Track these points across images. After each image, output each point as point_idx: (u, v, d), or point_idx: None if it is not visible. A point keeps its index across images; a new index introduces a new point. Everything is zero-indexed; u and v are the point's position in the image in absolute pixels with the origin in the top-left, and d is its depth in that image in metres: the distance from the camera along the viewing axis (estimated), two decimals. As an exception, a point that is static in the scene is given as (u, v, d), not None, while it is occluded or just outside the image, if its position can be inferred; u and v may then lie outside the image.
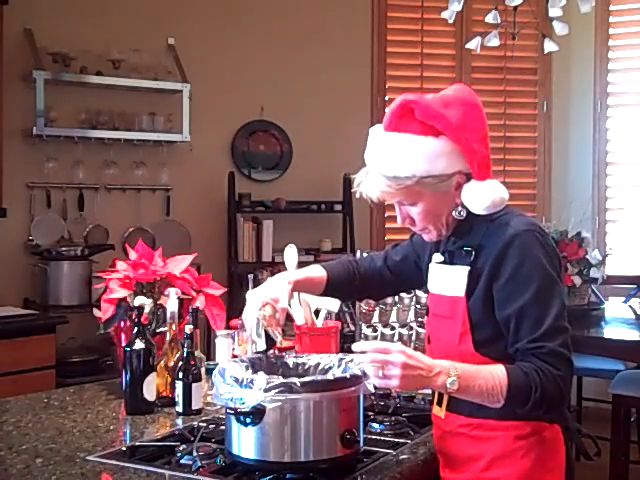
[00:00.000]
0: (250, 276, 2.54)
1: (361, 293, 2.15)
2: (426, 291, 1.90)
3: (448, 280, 1.75)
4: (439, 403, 1.77)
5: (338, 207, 5.26)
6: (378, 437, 1.93)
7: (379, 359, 1.52)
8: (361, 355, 1.56)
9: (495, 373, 1.57)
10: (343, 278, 2.00)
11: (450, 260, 1.78)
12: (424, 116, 1.65)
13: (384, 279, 2.03)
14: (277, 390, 1.57)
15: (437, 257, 1.83)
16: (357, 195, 1.75)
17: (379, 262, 2.03)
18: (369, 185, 1.71)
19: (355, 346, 1.57)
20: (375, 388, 1.62)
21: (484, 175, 1.68)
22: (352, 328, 2.85)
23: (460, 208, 1.71)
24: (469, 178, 1.69)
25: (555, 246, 1.72)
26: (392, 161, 1.66)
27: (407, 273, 2.00)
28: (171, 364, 2.25)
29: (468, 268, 1.70)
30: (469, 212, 1.71)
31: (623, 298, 4.64)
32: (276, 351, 1.90)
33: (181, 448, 1.80)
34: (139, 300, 2.31)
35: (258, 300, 1.82)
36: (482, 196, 1.67)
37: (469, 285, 1.69)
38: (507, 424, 1.66)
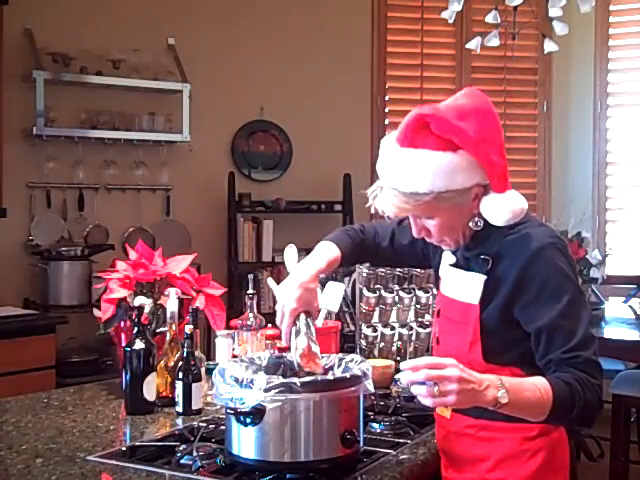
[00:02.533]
0: (250, 276, 2.54)
1: (363, 261, 2.25)
2: (430, 289, 1.90)
3: (462, 285, 1.73)
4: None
5: (338, 207, 5.26)
6: (378, 437, 1.93)
7: (433, 375, 1.42)
8: (410, 374, 1.44)
9: (539, 384, 1.53)
10: (352, 253, 1.97)
11: (466, 265, 1.75)
12: (441, 130, 1.60)
13: (386, 256, 2.03)
14: (277, 390, 1.57)
15: (449, 257, 1.81)
16: (372, 210, 1.71)
17: (385, 242, 2.00)
18: (385, 201, 1.66)
19: (404, 364, 1.45)
20: (374, 390, 1.62)
21: (503, 187, 1.65)
22: (352, 328, 2.84)
23: (477, 219, 1.68)
24: (487, 189, 1.66)
25: (573, 258, 1.71)
26: (410, 178, 1.61)
27: (412, 256, 1.99)
28: (171, 364, 2.24)
29: (484, 277, 1.68)
30: (486, 221, 1.69)
31: (623, 298, 4.64)
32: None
33: (181, 448, 1.80)
34: (139, 300, 2.31)
35: (292, 312, 1.76)
36: (502, 209, 1.64)
37: (485, 294, 1.67)
38: (514, 426, 1.65)
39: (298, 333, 1.73)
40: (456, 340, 1.72)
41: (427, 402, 1.44)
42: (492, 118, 1.67)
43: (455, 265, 1.79)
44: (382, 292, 2.81)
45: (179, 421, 2.09)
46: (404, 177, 1.62)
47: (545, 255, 1.63)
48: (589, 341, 1.60)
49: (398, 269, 2.84)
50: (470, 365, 1.61)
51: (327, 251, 1.93)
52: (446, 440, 1.78)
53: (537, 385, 1.52)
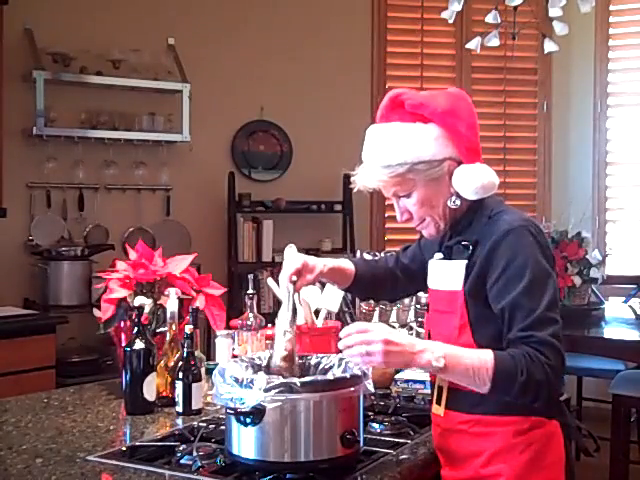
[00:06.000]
0: (250, 276, 2.53)
1: (377, 293, 2.17)
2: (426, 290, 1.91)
3: (446, 275, 1.77)
4: (438, 401, 1.78)
5: (338, 207, 5.26)
6: (378, 437, 1.93)
7: (361, 339, 1.57)
8: (346, 339, 1.59)
9: (482, 355, 1.59)
10: (367, 275, 2.02)
11: (449, 255, 1.80)
12: (412, 106, 1.72)
13: (396, 280, 2.04)
14: (277, 390, 1.57)
15: (437, 255, 1.85)
16: (355, 189, 1.80)
17: (391, 263, 2.06)
18: (365, 176, 1.76)
19: (341, 333, 1.61)
20: (374, 390, 1.63)
21: (473, 159, 1.72)
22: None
23: (454, 198, 1.73)
24: (460, 165, 1.72)
25: (549, 244, 1.73)
26: (383, 150, 1.72)
27: (416, 275, 2.00)
28: (171, 364, 2.24)
29: (465, 262, 1.71)
30: (468, 208, 1.75)
31: (623, 298, 4.64)
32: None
33: (181, 448, 1.80)
34: (139, 300, 2.31)
35: (295, 263, 1.85)
36: (472, 179, 1.70)
37: (466, 278, 1.70)
38: (506, 419, 1.66)
39: (285, 333, 1.73)
40: (445, 329, 1.74)
41: (357, 360, 1.61)
42: (464, 101, 1.75)
43: (441, 259, 1.83)
44: (382, 292, 2.80)
45: (179, 421, 2.09)
46: (379, 150, 1.73)
47: (513, 236, 1.66)
48: (547, 321, 1.61)
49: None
50: None
51: (341, 261, 2.02)
52: (441, 438, 1.79)
53: (479, 355, 1.59)
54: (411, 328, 2.80)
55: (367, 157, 1.76)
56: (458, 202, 1.74)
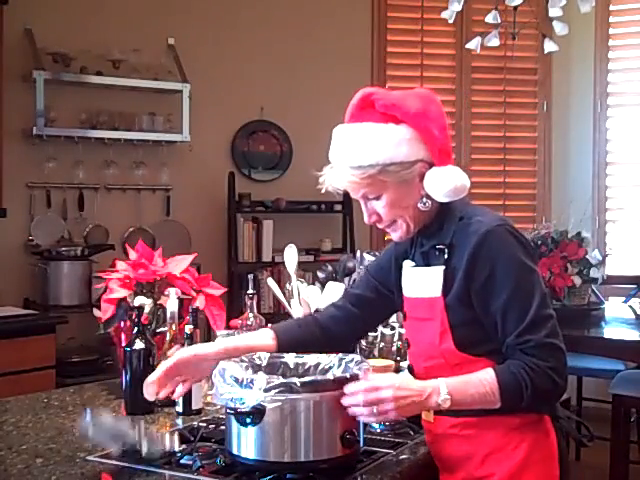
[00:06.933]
0: (250, 276, 2.53)
1: (331, 344, 1.88)
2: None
3: (424, 282, 1.74)
4: None
5: (338, 207, 5.26)
6: (378, 437, 1.93)
7: (371, 399, 1.56)
8: (353, 397, 1.57)
9: (485, 379, 1.58)
10: (298, 337, 1.88)
11: (425, 262, 1.77)
12: (384, 106, 1.68)
13: (350, 318, 1.91)
14: (277, 390, 1.57)
15: (409, 263, 1.82)
16: (323, 190, 1.78)
17: (339, 302, 1.96)
18: (334, 177, 1.74)
19: (347, 389, 1.59)
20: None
21: (445, 161, 1.69)
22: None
23: (425, 199, 1.71)
24: (431, 168, 1.70)
25: (527, 240, 1.72)
26: (355, 150, 1.68)
27: (374, 301, 1.92)
28: (171, 364, 2.24)
29: (443, 267, 1.70)
30: (437, 212, 1.72)
31: (623, 298, 4.64)
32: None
33: (181, 448, 1.80)
34: (139, 300, 2.31)
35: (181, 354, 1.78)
36: (444, 181, 1.67)
37: (445, 284, 1.68)
38: (495, 419, 1.66)
39: None
40: (426, 336, 1.72)
41: (370, 421, 1.62)
42: (434, 103, 1.72)
43: (415, 266, 1.80)
44: (382, 292, 2.80)
45: (179, 421, 2.09)
46: (350, 151, 1.69)
47: (493, 238, 1.64)
48: (541, 322, 1.60)
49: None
50: (443, 356, 1.67)
51: (257, 335, 1.89)
52: (435, 444, 1.79)
53: (482, 380, 1.58)
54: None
55: (337, 157, 1.73)
56: (429, 204, 1.71)
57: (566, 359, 1.62)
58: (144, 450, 1.73)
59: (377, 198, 1.71)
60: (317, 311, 2.04)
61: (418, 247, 1.79)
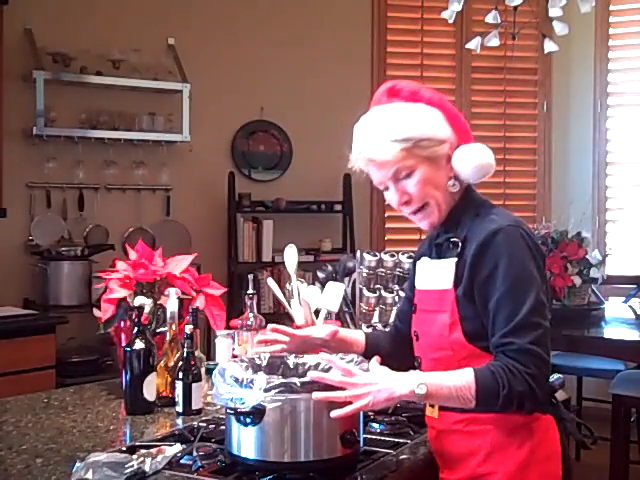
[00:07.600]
0: (250, 276, 2.54)
1: (399, 358, 1.88)
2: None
3: (436, 274, 1.76)
4: (431, 404, 1.77)
5: (338, 207, 5.26)
6: (378, 437, 1.92)
7: (349, 395, 1.57)
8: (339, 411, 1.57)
9: (463, 375, 1.59)
10: (378, 338, 2.03)
11: (438, 254, 1.79)
12: (410, 92, 1.77)
13: (399, 333, 1.98)
14: (277, 390, 1.57)
15: (423, 259, 1.86)
16: (353, 169, 1.78)
17: (393, 322, 2.08)
18: (372, 150, 1.73)
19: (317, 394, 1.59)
20: None
21: (469, 141, 1.77)
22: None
23: (453, 180, 1.74)
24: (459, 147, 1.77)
25: (539, 246, 1.73)
26: (390, 125, 1.72)
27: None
28: (171, 364, 2.24)
29: (455, 260, 1.71)
30: (457, 205, 1.75)
31: (623, 298, 4.64)
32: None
33: (181, 448, 1.80)
34: (139, 300, 2.31)
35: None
36: (471, 157, 1.73)
37: (456, 277, 1.70)
38: (499, 416, 1.65)
39: None
40: (435, 328, 1.73)
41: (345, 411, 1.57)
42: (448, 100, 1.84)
43: (429, 258, 1.83)
44: (382, 292, 2.81)
45: (179, 421, 2.09)
46: (384, 126, 1.72)
47: (502, 236, 1.65)
48: (527, 328, 1.60)
49: (398, 269, 2.84)
50: (452, 348, 1.68)
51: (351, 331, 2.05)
52: (437, 440, 1.78)
53: (460, 376, 1.59)
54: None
55: (370, 134, 1.74)
56: (457, 185, 1.74)
57: (548, 371, 1.62)
58: None
59: (409, 175, 1.72)
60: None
61: (434, 240, 1.82)
